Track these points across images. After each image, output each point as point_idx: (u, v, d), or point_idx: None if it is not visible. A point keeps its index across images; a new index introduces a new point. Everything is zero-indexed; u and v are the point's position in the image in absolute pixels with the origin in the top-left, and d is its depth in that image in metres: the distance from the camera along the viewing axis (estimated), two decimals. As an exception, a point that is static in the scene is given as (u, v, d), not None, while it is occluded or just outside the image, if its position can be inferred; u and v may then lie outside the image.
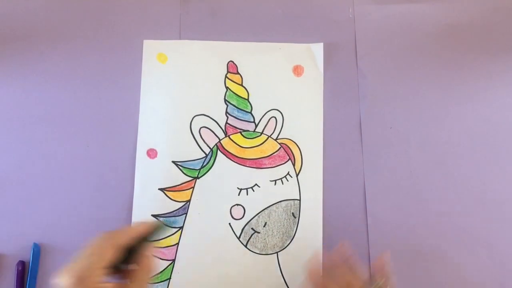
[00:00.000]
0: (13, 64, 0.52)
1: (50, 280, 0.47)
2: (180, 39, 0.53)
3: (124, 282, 0.37)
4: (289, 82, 0.52)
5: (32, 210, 0.49)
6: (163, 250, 0.49)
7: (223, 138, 0.51)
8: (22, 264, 0.48)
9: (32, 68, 0.52)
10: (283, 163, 0.51)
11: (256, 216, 0.50)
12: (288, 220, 0.50)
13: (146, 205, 0.49)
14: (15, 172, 0.50)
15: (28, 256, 0.48)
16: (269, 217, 0.50)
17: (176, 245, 0.49)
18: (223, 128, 0.51)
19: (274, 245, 0.49)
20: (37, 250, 0.48)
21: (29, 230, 0.49)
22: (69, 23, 0.53)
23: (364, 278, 0.42)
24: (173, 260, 0.49)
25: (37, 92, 0.51)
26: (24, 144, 0.50)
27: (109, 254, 0.35)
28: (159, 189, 0.50)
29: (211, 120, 0.51)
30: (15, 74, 0.52)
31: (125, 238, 0.37)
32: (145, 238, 0.37)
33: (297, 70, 0.52)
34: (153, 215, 0.49)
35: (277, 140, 0.51)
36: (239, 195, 0.50)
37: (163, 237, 0.48)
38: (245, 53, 0.52)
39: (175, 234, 0.49)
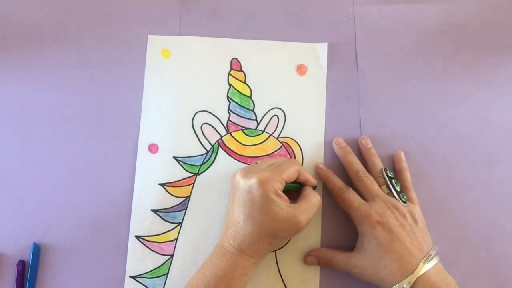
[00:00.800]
0: (13, 64, 0.52)
1: (50, 280, 0.47)
2: (180, 39, 0.54)
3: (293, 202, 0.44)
4: (292, 81, 0.53)
5: (32, 210, 0.49)
6: (161, 245, 0.49)
7: (224, 135, 0.51)
8: (22, 264, 0.47)
9: (33, 67, 0.52)
10: (284, 162, 0.51)
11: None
12: (287, 218, 0.50)
13: (145, 200, 0.49)
14: (15, 172, 0.50)
15: (28, 256, 0.48)
16: (268, 215, 0.50)
17: (175, 241, 0.49)
18: (225, 125, 0.52)
19: (273, 243, 0.49)
20: (37, 250, 0.48)
21: (29, 230, 0.49)
22: (70, 21, 0.53)
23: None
24: (172, 256, 0.48)
25: (37, 91, 0.52)
26: (24, 144, 0.50)
27: (292, 173, 0.44)
28: (159, 184, 0.50)
29: (213, 116, 0.52)
30: (15, 74, 0.52)
31: (305, 173, 0.46)
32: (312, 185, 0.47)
33: (301, 69, 0.53)
34: (153, 210, 0.49)
35: (279, 139, 0.51)
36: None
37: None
38: (249, 50, 0.53)
39: (174, 230, 0.49)
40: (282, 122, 0.52)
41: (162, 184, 0.50)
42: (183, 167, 0.50)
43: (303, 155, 0.51)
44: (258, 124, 0.52)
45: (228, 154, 0.51)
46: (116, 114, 0.51)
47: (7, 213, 0.49)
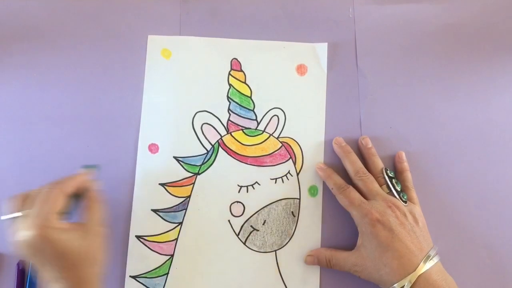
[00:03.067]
0: (13, 64, 0.52)
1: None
2: (180, 39, 0.54)
3: (79, 222, 0.41)
4: (292, 81, 0.53)
5: (32, 210, 0.49)
6: (161, 245, 0.49)
7: (224, 135, 0.51)
8: (22, 264, 0.47)
9: (33, 67, 0.52)
10: (284, 162, 0.51)
11: (256, 214, 0.50)
12: (287, 218, 0.50)
13: (146, 200, 0.49)
14: (15, 172, 0.50)
15: (28, 256, 0.48)
16: (268, 215, 0.50)
17: (175, 240, 0.49)
18: (225, 125, 0.52)
19: (273, 243, 0.49)
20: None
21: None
22: (70, 20, 0.53)
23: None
24: (172, 255, 0.49)
25: (37, 91, 0.52)
26: (24, 144, 0.50)
27: (60, 201, 0.39)
28: (159, 184, 0.50)
29: (213, 116, 0.52)
30: (15, 74, 0.52)
31: (71, 186, 0.41)
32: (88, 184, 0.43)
33: (301, 69, 0.53)
34: (153, 210, 0.49)
35: (279, 139, 0.51)
36: (239, 192, 0.50)
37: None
38: (249, 50, 0.53)
39: (174, 230, 0.49)
40: (282, 122, 0.52)
41: (162, 184, 0.50)
42: (183, 167, 0.50)
43: (303, 154, 0.51)
44: (258, 124, 0.52)
45: (228, 154, 0.51)
46: (116, 114, 0.51)
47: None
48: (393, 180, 0.48)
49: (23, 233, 0.36)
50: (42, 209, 0.38)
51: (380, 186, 0.47)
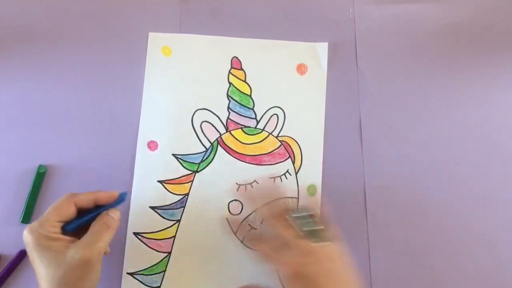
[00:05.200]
0: (13, 64, 0.52)
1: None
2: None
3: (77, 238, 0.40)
4: (292, 80, 0.53)
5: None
6: (159, 242, 0.49)
7: (224, 133, 0.51)
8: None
9: (33, 66, 0.52)
10: (283, 161, 0.51)
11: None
12: (285, 217, 0.50)
13: (144, 197, 0.49)
14: (15, 172, 0.50)
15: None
16: (266, 214, 0.50)
17: (173, 238, 0.49)
18: (225, 123, 0.52)
19: (271, 242, 0.49)
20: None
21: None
22: (71, 17, 0.54)
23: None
24: (169, 253, 0.48)
25: (37, 91, 0.52)
26: (24, 144, 0.50)
27: (66, 210, 0.41)
28: (158, 181, 0.50)
29: (213, 114, 0.52)
30: (15, 74, 0.52)
31: (85, 199, 0.42)
32: (107, 205, 0.43)
33: (301, 69, 0.53)
34: (151, 207, 0.49)
35: (278, 138, 0.51)
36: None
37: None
38: (249, 49, 0.53)
39: (172, 227, 0.49)
40: (281, 121, 0.52)
41: (161, 181, 0.50)
42: (182, 164, 0.50)
43: (302, 154, 0.51)
44: (257, 122, 0.52)
45: (227, 152, 0.51)
46: (116, 111, 0.51)
47: (7, 212, 0.49)
48: (306, 220, 0.42)
49: (23, 235, 0.39)
50: (46, 214, 0.40)
51: (292, 230, 0.42)
